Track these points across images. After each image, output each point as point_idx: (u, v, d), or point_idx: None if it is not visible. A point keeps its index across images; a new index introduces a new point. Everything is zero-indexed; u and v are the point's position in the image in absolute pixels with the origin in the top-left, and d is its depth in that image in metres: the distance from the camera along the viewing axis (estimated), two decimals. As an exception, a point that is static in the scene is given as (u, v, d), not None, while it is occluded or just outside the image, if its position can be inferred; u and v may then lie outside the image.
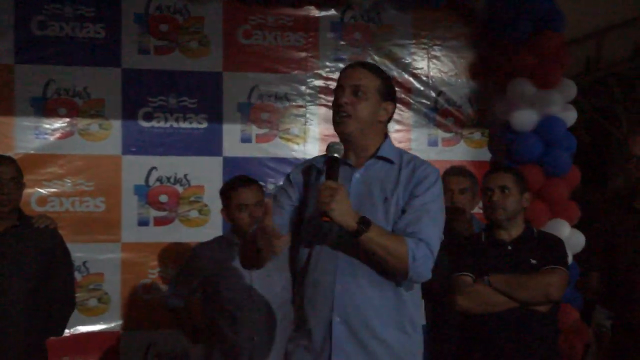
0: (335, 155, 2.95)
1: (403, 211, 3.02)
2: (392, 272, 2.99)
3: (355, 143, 3.10)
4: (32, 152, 5.26)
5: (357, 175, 3.10)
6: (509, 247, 4.12)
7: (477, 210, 5.37)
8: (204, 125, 5.53)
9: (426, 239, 2.96)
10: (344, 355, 2.99)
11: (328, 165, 2.95)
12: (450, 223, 4.64)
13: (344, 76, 3.13)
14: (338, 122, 3.07)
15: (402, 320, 3.05)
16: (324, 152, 3.03)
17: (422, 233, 2.96)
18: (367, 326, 3.00)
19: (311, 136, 5.70)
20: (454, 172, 4.81)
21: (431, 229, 3.00)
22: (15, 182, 4.16)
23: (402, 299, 3.05)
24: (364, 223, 2.89)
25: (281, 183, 3.27)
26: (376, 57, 5.80)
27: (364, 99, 3.06)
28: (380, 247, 2.92)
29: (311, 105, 5.72)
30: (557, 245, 4.18)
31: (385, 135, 3.19)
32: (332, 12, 5.76)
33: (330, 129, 5.51)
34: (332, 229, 3.00)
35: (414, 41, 5.90)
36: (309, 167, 3.22)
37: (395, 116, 5.70)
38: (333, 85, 5.59)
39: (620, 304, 4.20)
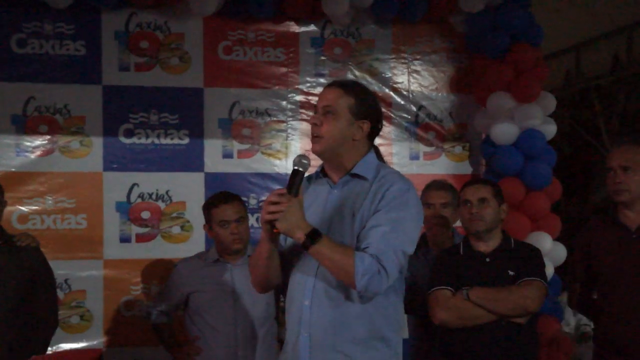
0: (296, 167, 2.96)
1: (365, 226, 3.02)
2: (345, 283, 2.98)
3: (330, 161, 3.14)
4: (12, 169, 5.25)
5: (334, 191, 3.13)
6: (487, 259, 4.14)
7: (458, 223, 5.43)
8: (186, 141, 5.54)
9: (377, 253, 2.92)
10: None
11: (291, 177, 2.96)
12: (434, 237, 4.67)
13: (319, 96, 3.17)
14: (312, 142, 3.11)
15: (369, 335, 3.04)
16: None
17: (372, 248, 2.93)
18: (330, 341, 3.02)
19: (293, 151, 5.70)
20: (435, 186, 4.82)
21: (385, 244, 2.95)
22: None
23: (368, 312, 3.03)
24: (313, 235, 2.90)
25: (263, 198, 3.30)
26: (356, 72, 5.83)
27: (333, 119, 3.07)
28: (328, 261, 2.93)
29: (292, 120, 5.73)
30: (534, 256, 4.21)
31: (367, 152, 3.18)
32: (312, 27, 5.78)
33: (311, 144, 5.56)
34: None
35: (394, 56, 5.92)
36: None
37: (376, 131, 5.79)
38: (314, 100, 5.65)
39: (601, 316, 4.21)
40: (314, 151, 3.11)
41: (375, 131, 3.21)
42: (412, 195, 3.07)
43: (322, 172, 3.21)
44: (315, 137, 3.09)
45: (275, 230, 2.92)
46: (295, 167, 2.96)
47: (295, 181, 2.95)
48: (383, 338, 3.07)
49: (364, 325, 3.03)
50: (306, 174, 3.13)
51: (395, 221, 2.99)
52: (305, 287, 3.05)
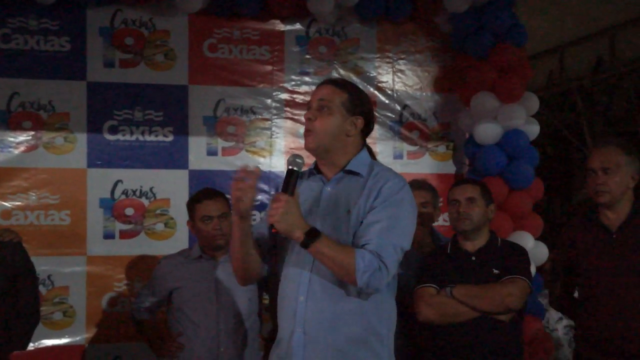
0: (291, 167, 2.99)
1: (362, 223, 3.04)
2: (345, 280, 3.01)
3: (323, 157, 3.16)
4: (-4, 165, 5.24)
5: (327, 188, 3.15)
6: (473, 258, 4.19)
7: (443, 222, 5.46)
8: (170, 138, 5.54)
9: (377, 249, 2.96)
10: None
11: (286, 177, 2.99)
12: (414, 237, 4.68)
13: (313, 93, 3.20)
14: (305, 137, 3.14)
15: (364, 332, 3.07)
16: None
17: (372, 244, 2.97)
18: (325, 337, 3.04)
19: (277, 149, 5.72)
20: (415, 185, 4.83)
21: (384, 240, 2.99)
22: None
23: (363, 309, 3.06)
24: (311, 234, 2.93)
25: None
26: (341, 71, 5.85)
27: (327, 114, 3.11)
28: (328, 259, 2.96)
29: (277, 118, 5.74)
30: (519, 254, 4.25)
31: (361, 148, 3.23)
32: (298, 26, 5.79)
33: (296, 142, 5.62)
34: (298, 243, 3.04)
35: (378, 55, 5.94)
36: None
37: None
38: (299, 98, 5.68)
39: (582, 315, 4.24)
40: (306, 147, 3.13)
41: (368, 128, 3.25)
42: (407, 191, 3.12)
43: (315, 169, 3.23)
44: (308, 132, 3.11)
45: (274, 230, 2.94)
46: (290, 167, 2.98)
47: (290, 181, 2.97)
48: (377, 334, 3.11)
49: (359, 322, 3.06)
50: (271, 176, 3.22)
51: (393, 218, 3.03)
52: (300, 282, 3.07)
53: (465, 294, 4.06)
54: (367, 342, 3.08)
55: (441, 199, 5.12)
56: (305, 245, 2.94)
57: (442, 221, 5.40)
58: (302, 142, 5.68)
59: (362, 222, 3.04)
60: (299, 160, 3.00)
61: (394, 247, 3.01)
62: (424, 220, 4.69)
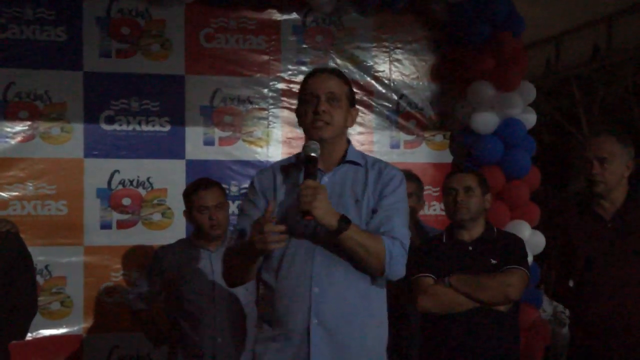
0: (313, 154, 3.00)
1: (374, 211, 3.10)
2: (369, 270, 3.06)
3: (327, 148, 3.14)
4: (-7, 155, 5.24)
5: (325, 178, 3.14)
6: (470, 248, 4.18)
7: (440, 212, 5.47)
8: (167, 128, 5.53)
9: (400, 237, 3.06)
10: (322, 358, 3.03)
11: (306, 165, 2.99)
12: None
13: (317, 83, 3.17)
14: (318, 127, 3.10)
15: (372, 318, 3.13)
16: (288, 155, 3.08)
17: (395, 231, 3.05)
18: (344, 328, 3.05)
19: (274, 139, 5.71)
20: None
21: (402, 228, 3.10)
22: None
23: (370, 297, 3.12)
24: (345, 221, 2.94)
25: (245, 186, 3.30)
26: (338, 60, 5.84)
27: (338, 107, 3.14)
28: (359, 246, 2.98)
29: (274, 108, 5.73)
30: (517, 245, 4.24)
31: (348, 140, 3.27)
32: (294, 15, 5.77)
33: (293, 132, 5.60)
34: (307, 231, 3.05)
35: (375, 44, 5.93)
36: (272, 171, 3.25)
37: (358, 119, 5.78)
38: (296, 88, 5.63)
39: (578, 304, 4.26)
40: (322, 137, 3.10)
41: None
42: (405, 185, 3.24)
43: (307, 159, 3.09)
44: (324, 124, 3.10)
45: (308, 218, 2.91)
46: (311, 154, 3.00)
47: (312, 168, 2.97)
48: (380, 320, 3.19)
49: (366, 309, 3.11)
50: (265, 172, 3.23)
51: (404, 207, 3.17)
52: (312, 274, 3.05)
53: (464, 284, 4.04)
54: (373, 328, 3.14)
55: (438, 189, 5.12)
56: (339, 231, 2.93)
57: (432, 211, 5.43)
58: (299, 131, 5.70)
59: (374, 210, 3.10)
60: (315, 147, 3.02)
61: (408, 235, 3.13)
62: (409, 210, 4.69)
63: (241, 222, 3.24)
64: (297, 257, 3.09)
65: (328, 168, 3.17)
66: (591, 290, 4.12)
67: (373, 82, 5.93)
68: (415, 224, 4.76)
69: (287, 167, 3.25)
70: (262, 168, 3.33)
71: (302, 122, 3.18)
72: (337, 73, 3.25)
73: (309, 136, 3.15)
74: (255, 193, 3.23)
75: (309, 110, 3.13)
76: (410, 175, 4.84)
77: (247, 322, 4.46)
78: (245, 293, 4.42)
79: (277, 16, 5.76)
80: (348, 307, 3.07)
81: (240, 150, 5.64)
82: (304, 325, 3.05)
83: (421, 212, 5.23)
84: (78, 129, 5.38)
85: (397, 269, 3.06)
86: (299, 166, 3.19)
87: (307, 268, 3.06)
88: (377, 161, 3.24)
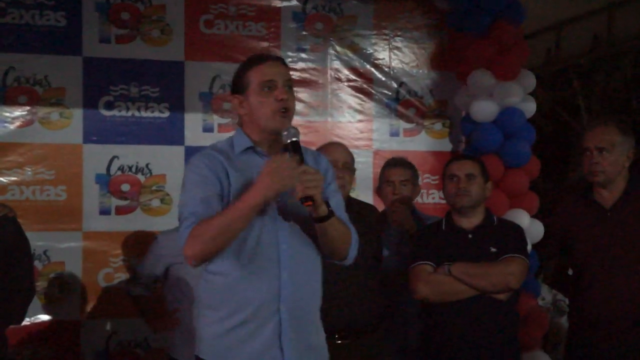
0: (295, 139, 2.93)
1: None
2: (334, 255, 3.08)
3: (278, 134, 3.02)
4: (-8, 140, 5.23)
5: None
6: (470, 236, 4.17)
7: (439, 200, 5.47)
8: (166, 114, 5.52)
9: (350, 224, 3.11)
10: (289, 343, 3.01)
11: (294, 150, 2.90)
12: (393, 214, 4.67)
13: (272, 69, 3.08)
14: (282, 117, 3.02)
15: (319, 302, 3.18)
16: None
17: (344, 217, 3.11)
18: (306, 310, 3.08)
19: (273, 126, 5.69)
20: (394, 163, 4.83)
21: (345, 213, 3.15)
22: None
23: (320, 279, 3.17)
24: (329, 207, 2.94)
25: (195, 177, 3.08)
26: (338, 48, 5.83)
27: (292, 93, 3.09)
28: (337, 231, 2.99)
29: (273, 95, 5.71)
30: (517, 233, 4.23)
31: None
32: (294, 2, 5.76)
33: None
34: (270, 214, 2.99)
35: (375, 32, 5.92)
36: (216, 157, 3.09)
37: (357, 107, 5.85)
38: (295, 75, 5.67)
39: (577, 293, 4.26)
40: (284, 126, 2.99)
41: None
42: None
43: (293, 145, 2.95)
44: (288, 112, 3.03)
45: (308, 204, 2.86)
46: (295, 139, 2.92)
47: (301, 155, 2.91)
48: (320, 294, 3.21)
49: (318, 291, 3.15)
50: (215, 156, 3.07)
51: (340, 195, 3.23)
52: (280, 259, 3.00)
53: (465, 273, 4.03)
54: (319, 301, 3.17)
55: (437, 177, 5.12)
56: (328, 217, 2.92)
57: (431, 199, 5.43)
58: (298, 118, 5.75)
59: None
60: (295, 131, 2.96)
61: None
62: (405, 198, 4.69)
63: (203, 190, 2.99)
64: (263, 242, 3.00)
65: (272, 153, 3.06)
66: (590, 279, 4.13)
67: (373, 69, 5.92)
68: (411, 211, 4.75)
69: (226, 152, 3.11)
70: (201, 153, 3.16)
71: (261, 112, 3.05)
72: (282, 59, 3.18)
73: (269, 125, 3.04)
74: (212, 181, 3.01)
75: (270, 98, 3.03)
76: (404, 162, 4.83)
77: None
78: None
79: (277, 3, 5.75)
80: (310, 290, 3.09)
81: (239, 137, 5.62)
82: (270, 312, 2.99)
83: (420, 200, 5.23)
84: (77, 115, 5.37)
85: (355, 254, 3.13)
86: (245, 151, 3.10)
87: (274, 254, 2.99)
88: (306, 147, 3.15)
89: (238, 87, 3.14)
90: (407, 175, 4.74)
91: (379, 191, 4.91)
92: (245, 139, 3.12)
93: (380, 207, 4.81)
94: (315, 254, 3.10)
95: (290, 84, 3.09)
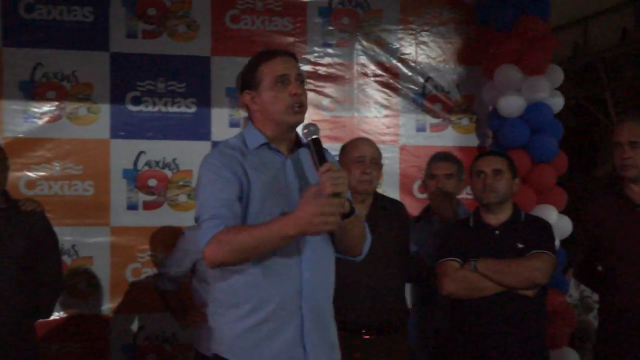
0: (316, 136, 2.89)
1: None
2: (350, 251, 3.08)
3: (291, 131, 3.05)
4: (20, 135, 5.25)
5: (288, 161, 3.05)
6: (497, 232, 4.14)
7: (465, 195, 5.45)
8: (193, 109, 5.54)
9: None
10: (311, 342, 2.97)
11: (317, 147, 2.86)
12: (437, 208, 4.69)
13: (285, 64, 3.04)
14: (297, 112, 2.99)
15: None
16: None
17: (356, 212, 3.04)
18: (327, 311, 3.07)
19: (299, 121, 5.70)
20: (440, 157, 4.85)
21: None
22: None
23: (334, 276, 3.15)
24: (352, 204, 2.93)
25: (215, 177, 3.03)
26: (364, 43, 5.82)
27: (304, 88, 3.04)
28: (357, 227, 3.00)
29: (299, 90, 5.71)
30: (544, 229, 4.20)
31: None
32: (320, -3, 5.76)
33: (318, 114, 5.60)
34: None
35: (401, 27, 5.91)
36: (233, 155, 3.04)
37: (384, 102, 5.83)
38: (321, 70, 5.66)
39: (608, 289, 4.24)
40: (299, 121, 3.00)
41: None
42: None
43: (316, 142, 2.91)
44: (302, 108, 3.01)
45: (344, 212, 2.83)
46: (316, 137, 2.88)
47: (323, 151, 2.88)
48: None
49: (332, 287, 3.12)
50: (231, 155, 3.02)
51: None
52: (302, 258, 2.96)
53: (491, 269, 4.01)
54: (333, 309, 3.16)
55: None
56: (351, 213, 2.91)
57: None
58: (325, 114, 5.75)
59: None
60: (314, 128, 2.91)
61: None
62: (448, 192, 4.69)
63: (223, 191, 2.94)
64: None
65: (287, 152, 3.06)
66: (622, 275, 4.10)
67: (399, 64, 5.90)
68: (456, 205, 4.76)
69: (240, 149, 3.06)
70: (216, 150, 3.14)
71: (275, 107, 3.01)
72: (294, 55, 3.14)
73: (284, 120, 3.00)
74: (232, 181, 2.95)
75: (284, 93, 2.99)
76: (449, 156, 4.85)
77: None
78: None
79: (304, -2, 5.75)
80: (328, 289, 3.07)
81: (265, 132, 5.62)
82: (294, 309, 2.95)
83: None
84: (104, 110, 5.40)
85: (367, 250, 3.11)
86: (260, 148, 3.06)
87: (295, 252, 2.95)
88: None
89: (249, 82, 3.07)
90: (451, 169, 4.75)
91: (424, 185, 4.93)
92: (258, 135, 3.07)
93: (406, 202, 4.81)
94: (331, 251, 3.09)
95: (302, 78, 3.05)
